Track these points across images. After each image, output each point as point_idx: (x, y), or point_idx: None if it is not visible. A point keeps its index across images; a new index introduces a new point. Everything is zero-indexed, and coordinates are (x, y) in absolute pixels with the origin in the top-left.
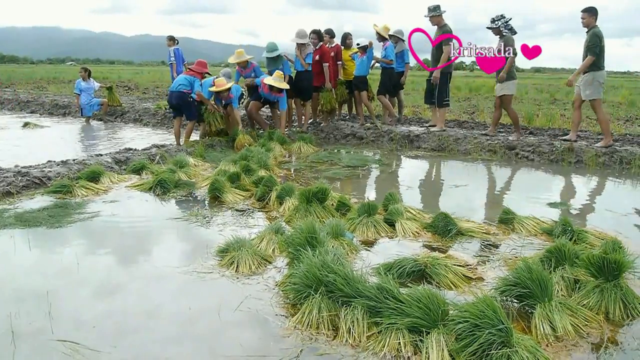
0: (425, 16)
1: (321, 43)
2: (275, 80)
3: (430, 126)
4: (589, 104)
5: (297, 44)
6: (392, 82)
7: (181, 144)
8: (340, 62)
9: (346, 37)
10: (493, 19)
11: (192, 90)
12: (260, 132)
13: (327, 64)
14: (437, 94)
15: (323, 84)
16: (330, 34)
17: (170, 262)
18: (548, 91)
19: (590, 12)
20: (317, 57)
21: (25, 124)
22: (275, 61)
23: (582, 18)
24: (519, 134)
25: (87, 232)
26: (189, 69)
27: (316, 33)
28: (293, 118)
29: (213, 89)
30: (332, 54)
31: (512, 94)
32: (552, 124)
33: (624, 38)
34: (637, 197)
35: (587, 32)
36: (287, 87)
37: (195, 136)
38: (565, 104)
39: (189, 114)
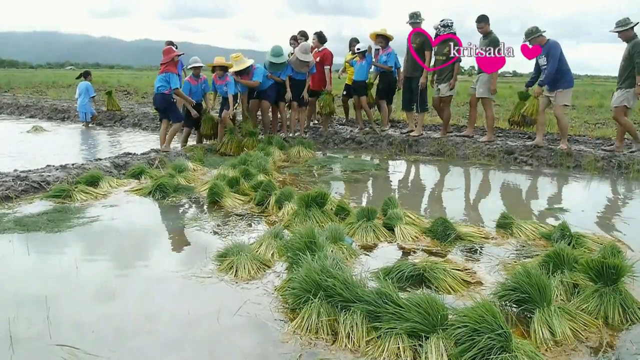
0: (406, 22)
1: (324, 46)
2: (238, 63)
3: (408, 131)
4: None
5: (300, 60)
6: (392, 87)
7: (172, 148)
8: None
9: (350, 44)
10: (439, 25)
11: (171, 88)
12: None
13: (329, 67)
14: (419, 98)
15: (322, 87)
16: (307, 36)
17: (169, 266)
18: None
19: (485, 21)
20: (317, 59)
21: (33, 127)
22: (278, 66)
23: (479, 27)
24: (445, 132)
25: (86, 237)
26: (161, 64)
27: (317, 35)
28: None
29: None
30: (318, 58)
31: (453, 95)
32: (551, 129)
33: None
34: (635, 201)
35: (484, 38)
36: (251, 62)
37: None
38: None
39: (175, 116)
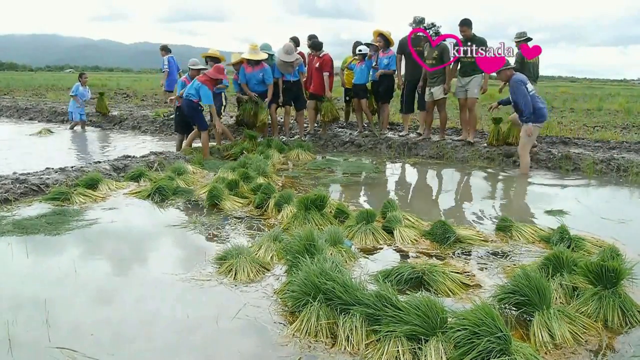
0: (409, 25)
1: (324, 52)
2: (251, 53)
3: (406, 134)
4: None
5: (283, 61)
6: (392, 90)
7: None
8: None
9: (356, 47)
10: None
11: (200, 99)
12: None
13: (327, 73)
14: (420, 98)
15: (323, 93)
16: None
17: (168, 269)
18: (545, 99)
19: (468, 25)
20: (317, 65)
21: (40, 131)
22: (269, 60)
23: (462, 31)
24: (443, 134)
25: (85, 240)
26: (204, 74)
27: (310, 47)
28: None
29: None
30: (317, 64)
31: (446, 97)
32: (549, 132)
33: (619, 46)
34: (634, 204)
35: (468, 41)
36: (265, 57)
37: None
38: (562, 111)
39: (200, 123)
